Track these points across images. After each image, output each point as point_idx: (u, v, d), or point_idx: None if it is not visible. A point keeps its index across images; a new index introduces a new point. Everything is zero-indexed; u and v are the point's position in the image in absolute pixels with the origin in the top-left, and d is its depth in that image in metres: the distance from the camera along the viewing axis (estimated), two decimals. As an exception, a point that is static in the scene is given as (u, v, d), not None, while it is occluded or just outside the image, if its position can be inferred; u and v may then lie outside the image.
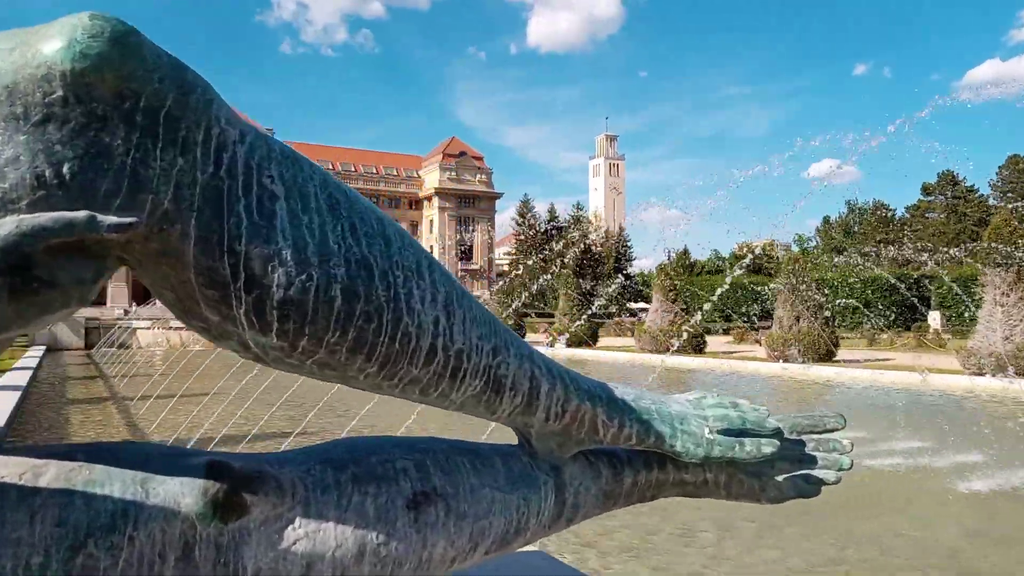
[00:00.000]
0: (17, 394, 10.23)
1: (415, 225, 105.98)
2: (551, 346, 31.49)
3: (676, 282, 31.56)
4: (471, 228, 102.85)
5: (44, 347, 26.85)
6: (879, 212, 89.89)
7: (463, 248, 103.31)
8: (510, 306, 40.67)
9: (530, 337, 38.54)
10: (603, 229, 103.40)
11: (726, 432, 1.53)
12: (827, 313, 24.27)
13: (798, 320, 22.81)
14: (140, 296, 74.46)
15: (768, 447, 1.53)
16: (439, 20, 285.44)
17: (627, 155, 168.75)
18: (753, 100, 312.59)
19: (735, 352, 27.15)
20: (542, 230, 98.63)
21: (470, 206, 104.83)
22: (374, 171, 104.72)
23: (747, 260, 56.23)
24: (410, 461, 1.30)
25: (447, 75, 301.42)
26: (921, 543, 5.21)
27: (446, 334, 1.15)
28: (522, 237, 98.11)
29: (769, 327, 26.27)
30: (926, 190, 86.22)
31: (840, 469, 1.66)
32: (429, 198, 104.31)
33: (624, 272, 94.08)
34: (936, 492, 6.61)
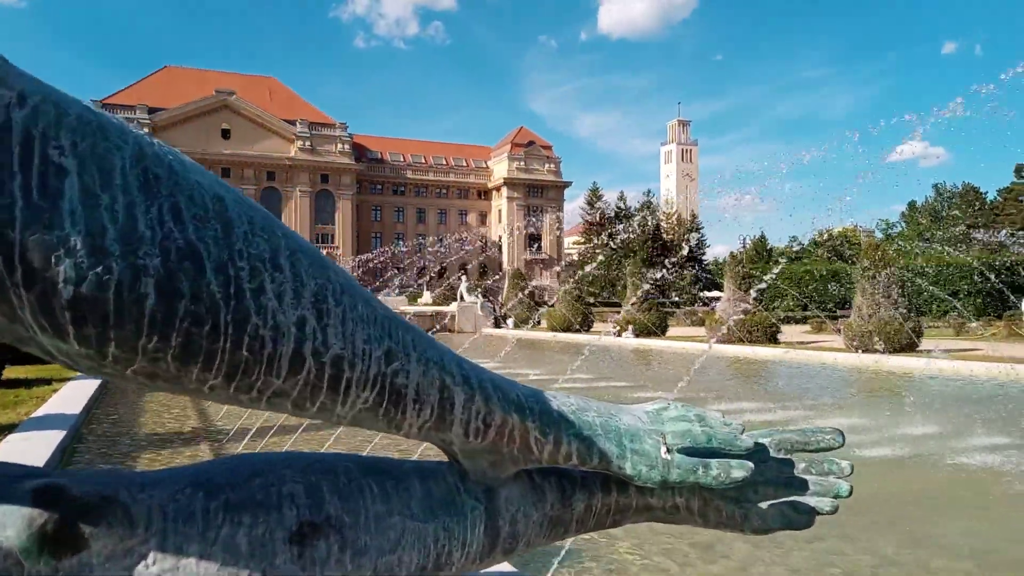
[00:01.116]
0: (95, 384, 10.75)
1: (484, 215, 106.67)
2: (618, 336, 31.17)
3: (750, 270, 30.67)
4: (540, 218, 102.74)
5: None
6: (969, 196, 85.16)
7: (532, 238, 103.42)
8: (578, 296, 40.51)
9: (597, 327, 38.25)
10: (675, 216, 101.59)
11: (690, 451, 1.30)
12: (910, 301, 23.12)
13: (879, 309, 21.82)
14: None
15: (739, 471, 1.29)
16: (510, 9, 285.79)
17: (700, 141, 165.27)
18: (836, 81, 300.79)
19: (811, 342, 26.22)
20: (611, 218, 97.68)
21: (539, 196, 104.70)
22: (444, 163, 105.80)
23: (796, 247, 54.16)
24: (301, 485, 1.13)
25: (517, 65, 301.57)
26: (994, 549, 4.85)
27: (316, 337, 0.96)
28: (591, 226, 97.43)
29: (848, 316, 25.23)
30: (1020, 172, 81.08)
31: (837, 496, 1.41)
32: (498, 188, 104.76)
33: (697, 260, 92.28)
34: (1015, 495, 6.16)
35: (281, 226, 0.98)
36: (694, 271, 79.44)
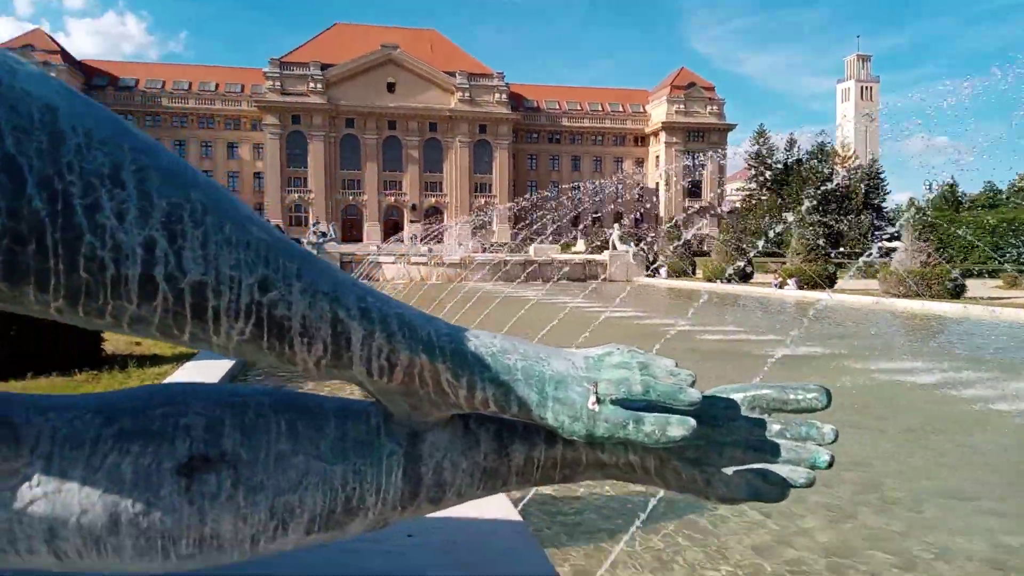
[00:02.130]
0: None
1: (641, 162, 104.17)
2: (779, 287, 29.72)
3: (933, 219, 27.96)
4: (700, 163, 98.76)
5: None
6: None
7: (691, 184, 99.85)
8: (737, 246, 38.92)
9: (759, 278, 36.62)
10: (851, 160, 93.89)
11: (626, 403, 1.15)
12: None
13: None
14: (389, 232, 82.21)
15: (677, 428, 1.12)
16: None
17: (883, 77, 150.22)
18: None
19: (1002, 298, 23.64)
20: (779, 163, 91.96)
21: (699, 140, 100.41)
22: (600, 108, 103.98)
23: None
24: (202, 417, 1.09)
25: (679, 3, 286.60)
26: None
27: (168, 261, 0.89)
28: (756, 171, 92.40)
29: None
30: None
31: (814, 467, 1.22)
32: (655, 133, 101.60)
33: (875, 208, 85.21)
34: None
35: (137, 140, 0.91)
36: (871, 219, 73.50)
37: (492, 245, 58.06)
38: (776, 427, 1.27)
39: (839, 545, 3.87)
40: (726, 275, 34.49)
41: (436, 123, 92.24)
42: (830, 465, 1.22)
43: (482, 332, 1.21)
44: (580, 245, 57.00)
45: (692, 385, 1.17)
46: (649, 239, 48.29)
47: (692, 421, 1.14)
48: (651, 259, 43.00)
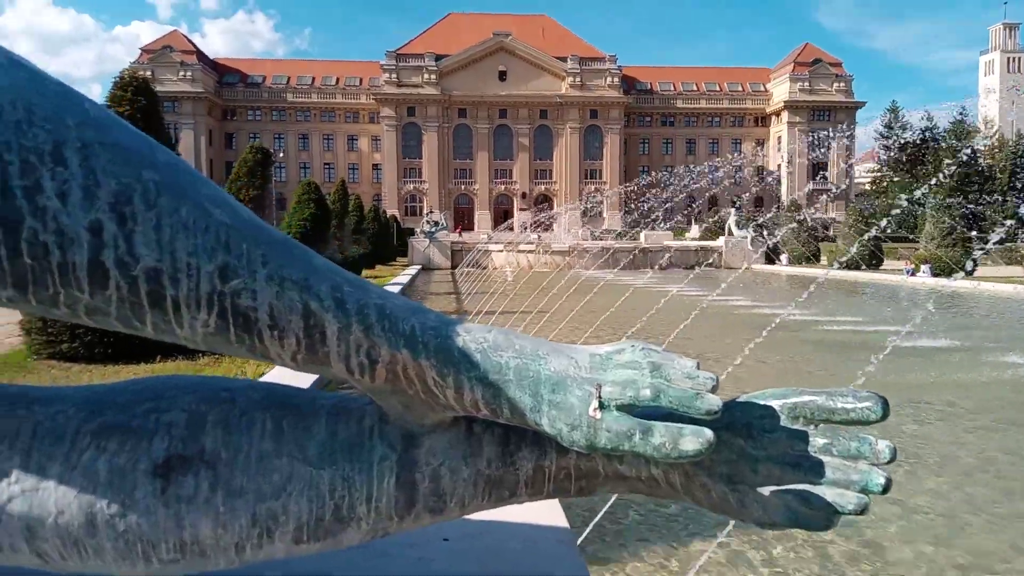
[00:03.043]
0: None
1: (761, 143, 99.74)
2: (912, 275, 27.60)
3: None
4: (826, 144, 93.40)
5: (419, 266, 31.54)
6: None
7: (816, 166, 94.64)
8: (863, 230, 36.40)
9: (889, 264, 34.19)
10: (995, 137, 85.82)
11: (634, 409, 0.99)
12: None
13: None
14: (499, 220, 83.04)
15: (692, 442, 0.95)
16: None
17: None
18: None
19: None
20: (913, 141, 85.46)
21: (825, 119, 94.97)
22: (717, 88, 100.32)
23: None
24: (184, 413, 1.04)
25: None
26: None
27: (118, 246, 0.83)
28: (887, 151, 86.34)
29: None
30: None
31: (865, 491, 1.02)
32: (777, 113, 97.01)
33: (1022, 189, 77.79)
34: None
35: (86, 115, 0.85)
36: (1016, 202, 67.01)
37: (602, 232, 57.41)
38: (821, 441, 1.07)
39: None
40: (852, 261, 32.38)
41: (547, 110, 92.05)
42: (886, 490, 1.03)
43: (475, 326, 1.08)
44: (694, 231, 55.31)
45: (713, 391, 1.00)
46: (768, 223, 46.16)
47: (709, 433, 0.97)
48: (770, 245, 41.10)
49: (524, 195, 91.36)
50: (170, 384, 1.09)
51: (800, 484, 1.05)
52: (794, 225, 40.62)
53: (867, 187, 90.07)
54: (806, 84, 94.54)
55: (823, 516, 1.04)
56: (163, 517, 0.98)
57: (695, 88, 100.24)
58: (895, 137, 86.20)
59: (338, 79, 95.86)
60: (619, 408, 0.98)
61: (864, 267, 32.58)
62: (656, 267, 29.02)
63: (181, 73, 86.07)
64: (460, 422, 1.14)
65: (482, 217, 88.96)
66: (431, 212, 49.80)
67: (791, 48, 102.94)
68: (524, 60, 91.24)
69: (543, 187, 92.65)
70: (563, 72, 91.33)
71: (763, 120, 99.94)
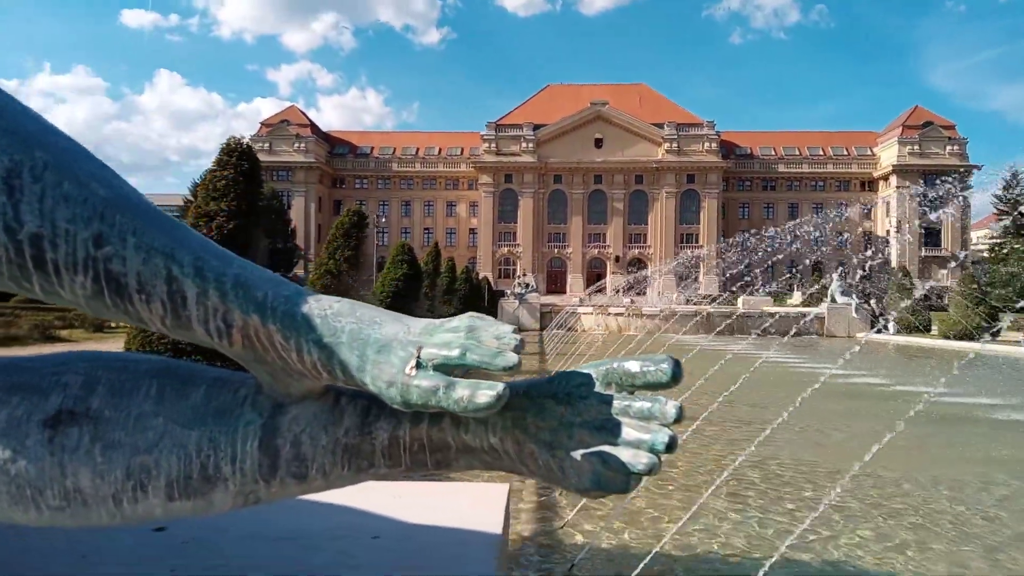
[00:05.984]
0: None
1: (868, 209, 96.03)
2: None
3: None
4: (938, 208, 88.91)
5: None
6: None
7: (929, 232, 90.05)
8: (980, 299, 34.23)
9: (1009, 335, 31.86)
10: None
11: (448, 368, 1.05)
12: None
13: None
14: (592, 282, 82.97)
15: (487, 395, 1.00)
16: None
17: None
18: None
19: None
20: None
21: (937, 183, 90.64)
22: (820, 152, 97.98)
23: None
24: (81, 376, 1.14)
25: (913, 38, 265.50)
26: None
27: (5, 212, 0.96)
28: (1007, 215, 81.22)
29: None
30: None
31: (652, 450, 1.05)
32: (885, 177, 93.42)
33: None
34: None
35: None
36: None
37: (698, 296, 56.34)
38: (620, 404, 1.12)
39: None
40: (969, 332, 30.48)
41: (642, 175, 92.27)
42: (671, 448, 1.05)
43: (327, 296, 1.16)
44: (796, 297, 53.47)
45: (516, 351, 1.05)
46: (876, 291, 44.13)
47: (501, 386, 1.02)
48: (877, 312, 39.21)
49: (617, 259, 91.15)
50: (81, 356, 1.22)
51: (602, 446, 1.09)
52: (907, 294, 38.71)
53: (985, 254, 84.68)
54: (916, 147, 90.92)
55: (621, 478, 1.07)
56: (48, 464, 1.10)
57: (797, 152, 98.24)
58: (1017, 201, 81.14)
59: (440, 149, 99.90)
60: (436, 368, 1.04)
61: (984, 338, 30.54)
62: (754, 333, 28.27)
63: (296, 145, 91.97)
64: (328, 394, 1.21)
65: (575, 280, 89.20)
66: (523, 274, 50.36)
67: (899, 112, 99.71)
68: (620, 127, 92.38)
69: (636, 251, 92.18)
70: (659, 138, 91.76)
71: (870, 184, 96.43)
